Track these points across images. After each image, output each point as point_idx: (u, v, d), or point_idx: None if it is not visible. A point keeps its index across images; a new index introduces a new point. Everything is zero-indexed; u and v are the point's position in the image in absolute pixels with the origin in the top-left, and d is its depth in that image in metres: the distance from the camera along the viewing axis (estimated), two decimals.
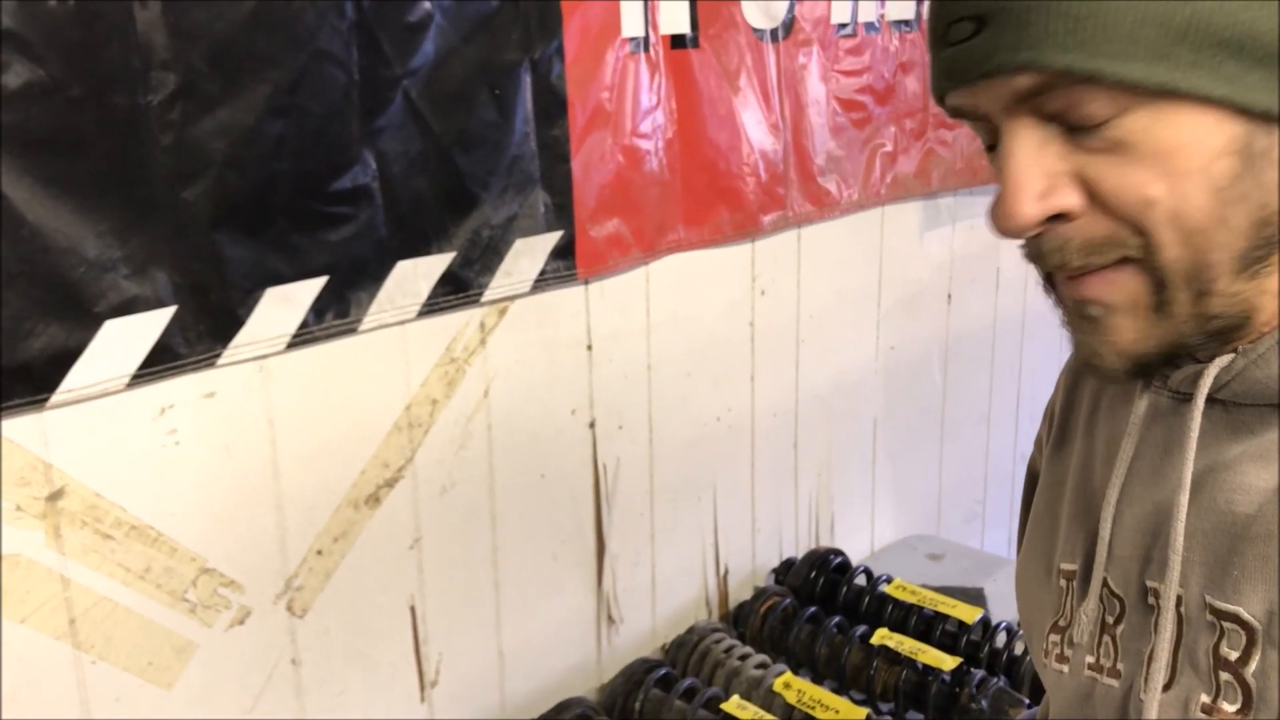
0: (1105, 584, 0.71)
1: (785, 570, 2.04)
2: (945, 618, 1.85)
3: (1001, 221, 0.62)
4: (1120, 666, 0.70)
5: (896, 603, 1.90)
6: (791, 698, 1.64)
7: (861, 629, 1.80)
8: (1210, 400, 0.65)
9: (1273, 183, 0.59)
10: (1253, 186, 0.58)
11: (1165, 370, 0.69)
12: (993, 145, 0.64)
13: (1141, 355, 0.63)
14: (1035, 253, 0.63)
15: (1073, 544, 0.77)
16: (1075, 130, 0.60)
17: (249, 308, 1.25)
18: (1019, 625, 0.86)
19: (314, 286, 1.30)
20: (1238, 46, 0.56)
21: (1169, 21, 0.56)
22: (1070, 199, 0.61)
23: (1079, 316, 0.64)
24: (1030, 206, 0.60)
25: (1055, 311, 0.68)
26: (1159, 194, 0.58)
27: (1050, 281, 0.67)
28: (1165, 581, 0.65)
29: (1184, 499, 0.64)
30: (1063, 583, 0.77)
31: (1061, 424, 0.83)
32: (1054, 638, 0.77)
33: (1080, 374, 0.83)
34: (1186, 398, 0.67)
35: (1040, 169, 0.60)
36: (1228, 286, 0.60)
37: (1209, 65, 0.56)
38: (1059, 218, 0.61)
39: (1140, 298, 0.61)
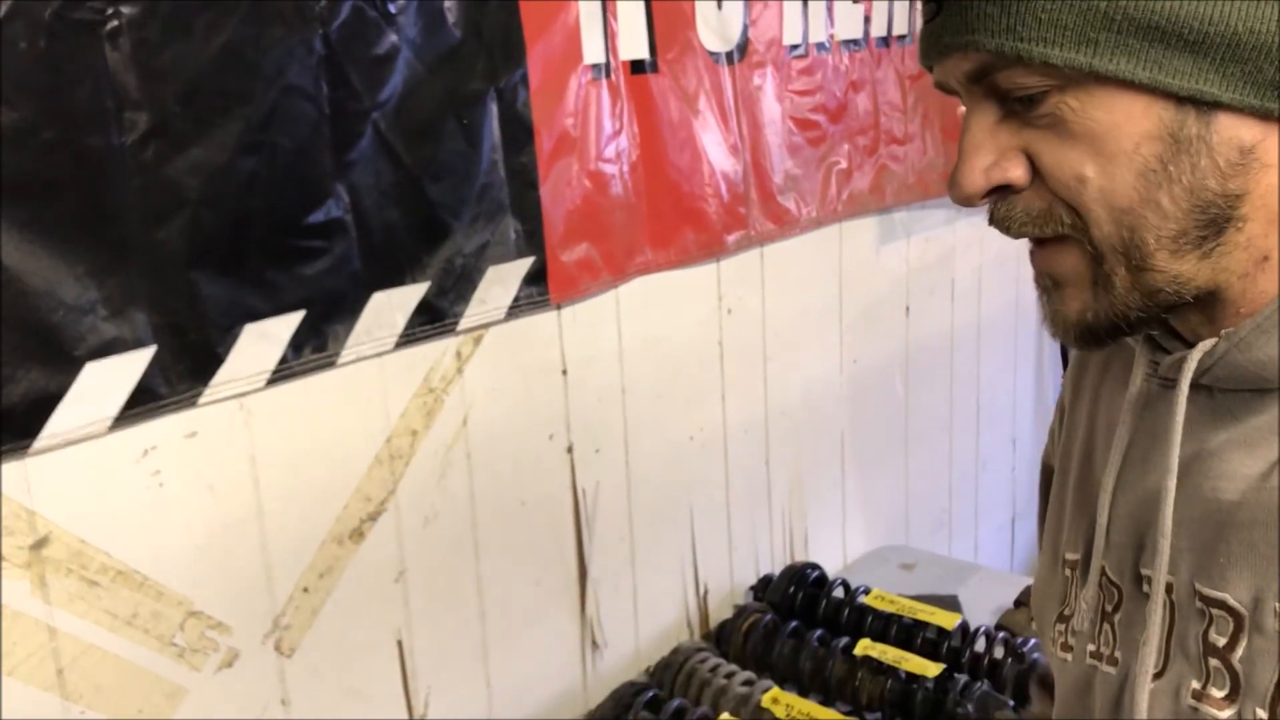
0: (1103, 572, 0.72)
1: (764, 587, 2.05)
2: (925, 625, 1.87)
3: (951, 190, 0.66)
4: (1118, 654, 0.71)
5: (876, 613, 1.91)
6: (780, 712, 1.64)
7: (844, 641, 1.81)
8: (1196, 386, 0.66)
9: (1209, 167, 0.60)
10: (1184, 170, 0.60)
11: (1156, 355, 0.70)
12: None
13: (1088, 326, 0.65)
14: (991, 218, 0.67)
15: (1075, 533, 0.78)
16: (1023, 108, 0.63)
17: (228, 345, 1.24)
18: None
19: (291, 321, 1.30)
20: (1162, 32, 0.58)
21: (1093, 7, 0.58)
22: (1015, 173, 0.64)
23: (1039, 286, 0.68)
24: (975, 177, 0.64)
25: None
26: (1090, 173, 0.61)
27: None
28: (1155, 568, 0.66)
29: (1171, 485, 0.65)
30: (1068, 572, 0.78)
31: (1069, 416, 0.85)
32: (1060, 626, 0.78)
33: (1082, 365, 0.85)
34: (1174, 384, 0.68)
35: (991, 143, 0.64)
36: (1168, 265, 0.62)
37: (1132, 50, 0.58)
38: (1007, 189, 0.65)
39: (1082, 272, 0.64)
